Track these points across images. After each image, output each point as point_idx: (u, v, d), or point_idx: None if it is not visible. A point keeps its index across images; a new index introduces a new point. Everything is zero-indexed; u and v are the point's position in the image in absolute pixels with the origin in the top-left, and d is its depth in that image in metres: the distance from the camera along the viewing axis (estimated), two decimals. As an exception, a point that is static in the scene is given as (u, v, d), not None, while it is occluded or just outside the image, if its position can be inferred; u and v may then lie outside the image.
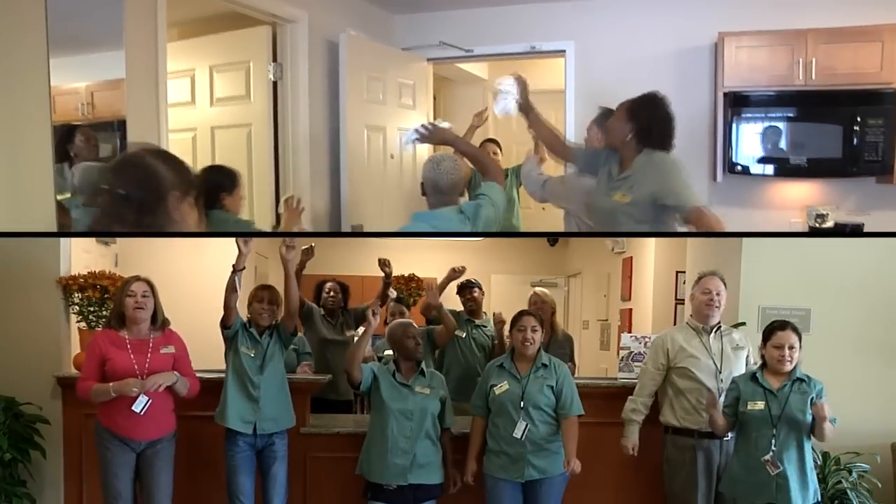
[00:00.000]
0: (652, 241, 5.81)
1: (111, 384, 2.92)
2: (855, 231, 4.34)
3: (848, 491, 3.24)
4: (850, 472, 3.29)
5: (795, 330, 2.92)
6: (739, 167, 4.39)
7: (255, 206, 4.40)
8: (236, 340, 3.19)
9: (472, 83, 7.26)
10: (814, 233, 4.34)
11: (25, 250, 3.51)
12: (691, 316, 3.30)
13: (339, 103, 4.66)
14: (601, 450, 3.41)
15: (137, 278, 3.08)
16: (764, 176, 4.41)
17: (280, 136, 4.44)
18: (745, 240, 3.74)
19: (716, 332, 3.23)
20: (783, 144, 4.27)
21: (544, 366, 3.15)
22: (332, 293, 4.40)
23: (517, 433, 3.03)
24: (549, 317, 3.93)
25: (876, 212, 4.43)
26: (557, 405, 3.11)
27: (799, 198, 4.58)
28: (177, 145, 4.11)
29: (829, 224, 4.40)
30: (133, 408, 2.93)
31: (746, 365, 3.20)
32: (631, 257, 6.35)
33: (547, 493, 3.07)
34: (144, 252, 4.96)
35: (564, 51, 5.05)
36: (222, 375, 3.34)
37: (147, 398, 2.95)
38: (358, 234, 2.83)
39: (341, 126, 4.66)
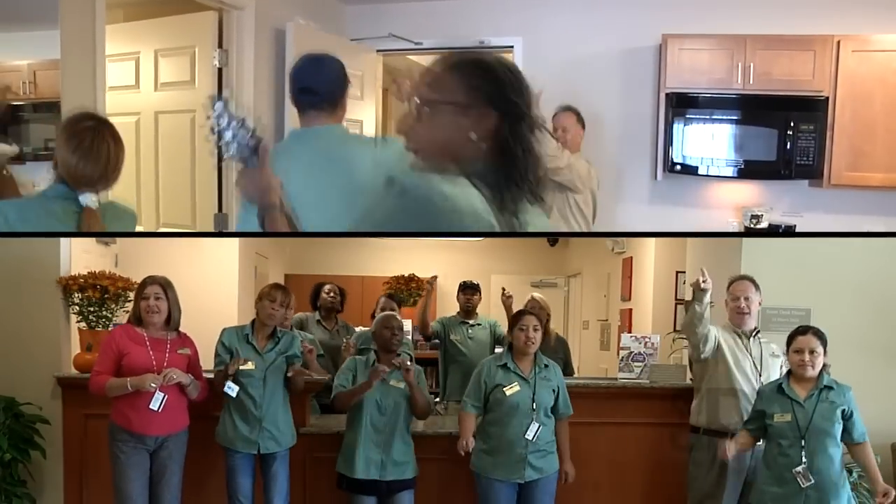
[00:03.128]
0: (652, 241, 5.81)
1: (129, 379, 2.93)
2: (856, 231, 4.36)
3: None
4: (850, 472, 3.28)
5: (818, 334, 2.87)
6: (679, 167, 4.52)
7: (198, 193, 4.37)
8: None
9: None
10: (812, 234, 4.35)
11: (25, 250, 3.51)
12: (729, 321, 3.25)
13: (285, 92, 4.54)
14: (601, 450, 3.41)
15: (152, 280, 3.08)
16: (702, 176, 4.56)
17: None
18: (745, 240, 3.74)
19: (755, 336, 3.19)
20: (721, 146, 4.42)
21: (546, 366, 3.15)
22: (331, 294, 4.40)
23: (530, 435, 3.02)
24: (544, 322, 3.94)
25: (808, 213, 4.60)
26: (556, 406, 3.12)
27: (735, 198, 4.73)
28: (120, 129, 4.15)
29: (764, 225, 4.55)
30: (150, 406, 2.95)
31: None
32: (631, 257, 6.35)
33: (544, 491, 3.08)
34: (144, 252, 4.96)
35: (512, 46, 5.09)
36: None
37: (163, 394, 2.97)
38: (358, 234, 2.82)
39: (286, 115, 4.52)
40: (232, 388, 3.10)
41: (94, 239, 4.68)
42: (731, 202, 4.75)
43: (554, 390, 3.11)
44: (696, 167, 4.50)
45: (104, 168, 2.33)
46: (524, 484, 3.05)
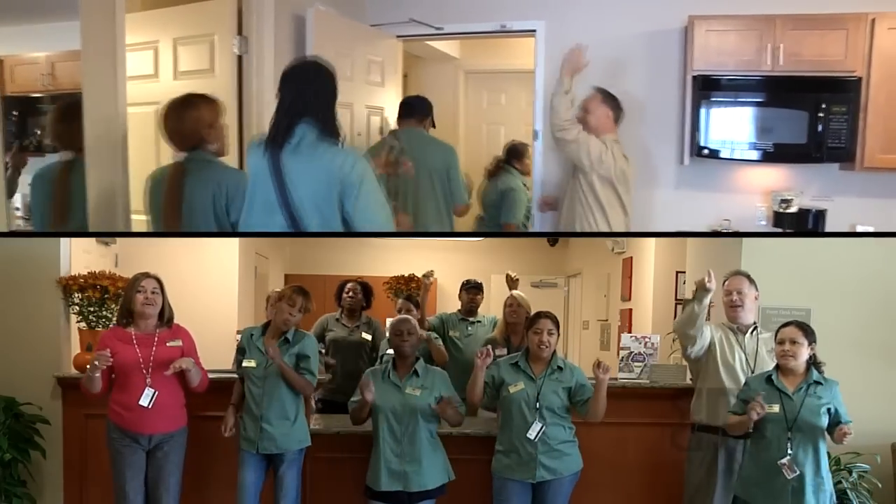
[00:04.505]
0: (652, 241, 5.82)
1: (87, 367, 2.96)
2: (856, 231, 4.34)
3: (848, 491, 3.24)
4: (850, 472, 3.29)
5: (801, 326, 2.90)
6: (706, 151, 4.38)
7: None
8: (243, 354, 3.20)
9: (442, 61, 7.20)
10: (812, 233, 4.34)
11: (25, 250, 3.51)
12: (725, 316, 3.27)
13: None
14: (601, 450, 3.41)
15: (147, 275, 3.10)
16: (730, 160, 4.42)
17: (244, 111, 4.27)
18: (745, 240, 3.74)
19: (752, 332, 3.20)
20: (750, 129, 4.30)
21: (559, 368, 3.13)
22: (350, 293, 4.45)
23: (531, 434, 3.01)
24: (523, 320, 3.93)
25: (838, 197, 4.45)
26: (577, 398, 3.09)
27: (764, 182, 4.60)
28: (139, 119, 3.99)
29: (794, 209, 4.43)
30: (140, 402, 2.96)
31: None
32: (631, 257, 6.36)
33: (556, 493, 3.06)
34: (144, 252, 4.96)
35: (535, 30, 4.96)
36: (221, 375, 3.35)
37: (153, 390, 2.98)
38: (357, 234, 2.81)
39: None
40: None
41: (94, 239, 4.69)
42: (760, 186, 4.60)
43: (568, 388, 3.09)
44: (724, 151, 4.37)
45: None
46: (538, 485, 3.04)
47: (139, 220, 3.54)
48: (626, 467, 3.48)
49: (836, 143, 4.13)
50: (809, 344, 2.89)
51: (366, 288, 4.52)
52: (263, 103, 4.17)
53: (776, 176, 4.55)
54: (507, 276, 4.37)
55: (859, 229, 4.40)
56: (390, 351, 3.35)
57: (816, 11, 4.19)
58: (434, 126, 4.36)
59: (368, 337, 4.42)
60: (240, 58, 4.21)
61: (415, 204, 4.01)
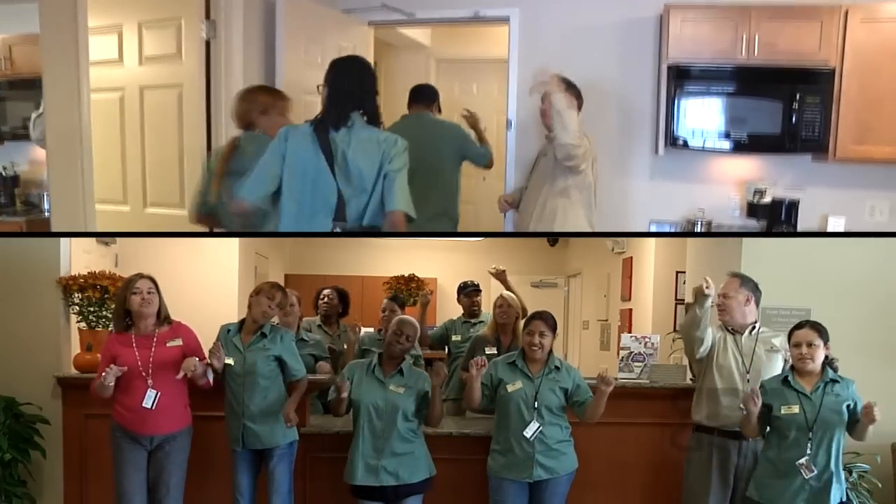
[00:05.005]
0: (652, 241, 5.82)
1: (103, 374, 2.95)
2: (855, 231, 4.35)
3: (848, 491, 3.23)
4: (850, 472, 3.29)
5: (816, 327, 2.89)
6: (681, 141, 4.39)
7: (186, 171, 4.18)
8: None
9: (414, 50, 7.17)
10: (812, 233, 4.35)
11: (25, 250, 3.51)
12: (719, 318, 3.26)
13: (276, 66, 4.39)
14: (601, 450, 3.41)
15: (140, 276, 3.09)
16: (705, 150, 4.44)
17: (213, 97, 4.17)
18: (745, 240, 3.74)
19: (751, 332, 3.19)
20: (724, 119, 4.32)
21: (556, 368, 3.13)
22: (325, 300, 4.38)
23: (528, 433, 3.01)
24: (512, 321, 3.92)
25: (811, 188, 4.50)
26: (574, 399, 3.09)
27: (738, 173, 4.62)
28: (103, 105, 3.92)
29: (767, 199, 4.48)
30: (143, 404, 2.96)
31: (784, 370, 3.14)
32: (631, 257, 6.36)
33: (553, 492, 3.06)
34: (144, 252, 4.96)
35: (509, 18, 4.92)
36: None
37: (155, 392, 2.97)
38: (358, 234, 2.82)
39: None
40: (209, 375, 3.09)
41: (94, 239, 4.69)
42: (734, 177, 4.64)
43: (565, 389, 3.09)
44: (698, 141, 4.39)
45: None
46: (534, 484, 3.04)
47: (103, 210, 3.46)
48: (626, 467, 3.48)
49: (810, 135, 4.19)
50: (825, 344, 2.88)
51: (342, 294, 4.45)
52: (232, 89, 4.04)
53: (749, 166, 4.61)
54: (491, 271, 4.31)
55: (831, 220, 4.48)
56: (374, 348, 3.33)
57: (792, 2, 4.21)
58: (440, 111, 4.46)
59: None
60: (208, 43, 4.11)
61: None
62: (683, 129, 4.39)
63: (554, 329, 3.17)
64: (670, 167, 4.69)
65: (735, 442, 3.07)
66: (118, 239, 5.00)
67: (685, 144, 4.41)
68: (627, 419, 3.47)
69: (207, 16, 4.10)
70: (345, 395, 3.04)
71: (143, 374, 2.99)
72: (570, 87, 3.76)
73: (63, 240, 3.56)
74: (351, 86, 2.93)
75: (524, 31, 4.86)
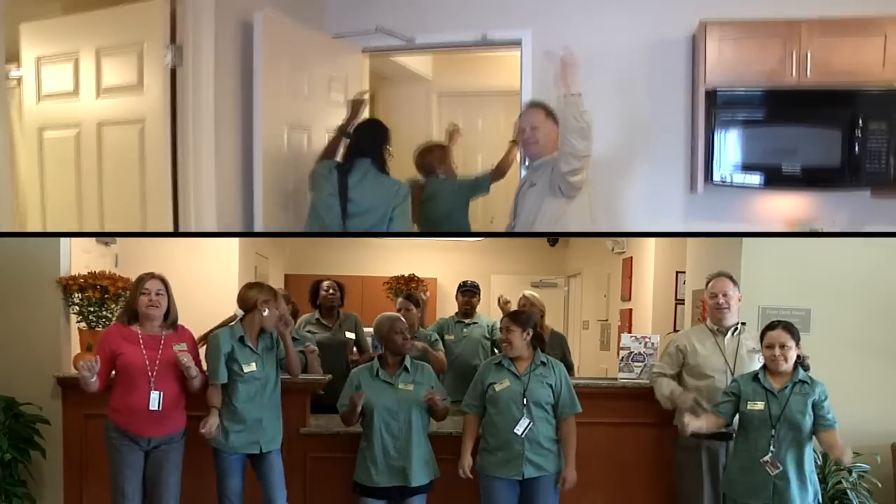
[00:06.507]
0: (652, 241, 5.82)
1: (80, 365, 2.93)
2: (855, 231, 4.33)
3: (848, 491, 3.24)
4: (850, 472, 3.29)
5: (788, 329, 2.91)
6: (722, 177, 3.85)
7: (149, 214, 3.67)
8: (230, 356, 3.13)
9: (413, 82, 6.49)
10: (812, 233, 4.34)
11: (25, 250, 3.51)
12: (709, 318, 3.28)
13: (253, 97, 3.80)
14: (601, 450, 3.41)
15: (152, 275, 3.06)
16: (749, 187, 3.88)
17: (179, 134, 3.59)
18: (745, 240, 3.74)
19: (733, 333, 3.21)
20: (771, 151, 3.78)
21: (542, 364, 3.15)
22: (330, 290, 4.39)
23: (518, 430, 3.02)
24: (537, 319, 3.93)
25: (871, 228, 3.98)
26: (557, 404, 3.12)
27: (786, 211, 4.09)
28: (57, 144, 3.51)
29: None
30: (150, 406, 2.94)
31: None
32: (631, 257, 6.36)
33: (545, 490, 3.07)
34: (144, 252, 4.96)
35: (521, 40, 4.35)
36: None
37: (159, 392, 2.96)
38: (357, 234, 2.83)
39: (255, 124, 3.80)
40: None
41: (94, 239, 4.69)
42: (782, 216, 4.06)
43: (552, 386, 3.11)
44: (743, 177, 3.83)
45: None
46: (525, 482, 3.05)
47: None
48: (626, 467, 3.49)
49: (875, 166, 3.65)
50: (797, 344, 2.91)
51: (341, 287, 4.46)
52: (201, 122, 3.57)
53: (797, 203, 4.06)
54: (499, 298, 4.41)
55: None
56: None
57: (848, 14, 3.70)
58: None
59: (352, 335, 4.39)
60: (173, 71, 3.55)
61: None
62: (725, 163, 3.83)
63: (527, 326, 3.15)
64: (711, 207, 4.12)
65: (723, 443, 3.09)
66: (118, 239, 4.99)
67: (728, 181, 3.86)
68: (627, 419, 3.48)
69: (173, 39, 3.54)
70: (360, 406, 3.05)
71: (149, 374, 2.97)
72: (551, 114, 3.44)
73: (63, 240, 3.55)
74: (365, 144, 3.56)
75: (538, 55, 4.21)
